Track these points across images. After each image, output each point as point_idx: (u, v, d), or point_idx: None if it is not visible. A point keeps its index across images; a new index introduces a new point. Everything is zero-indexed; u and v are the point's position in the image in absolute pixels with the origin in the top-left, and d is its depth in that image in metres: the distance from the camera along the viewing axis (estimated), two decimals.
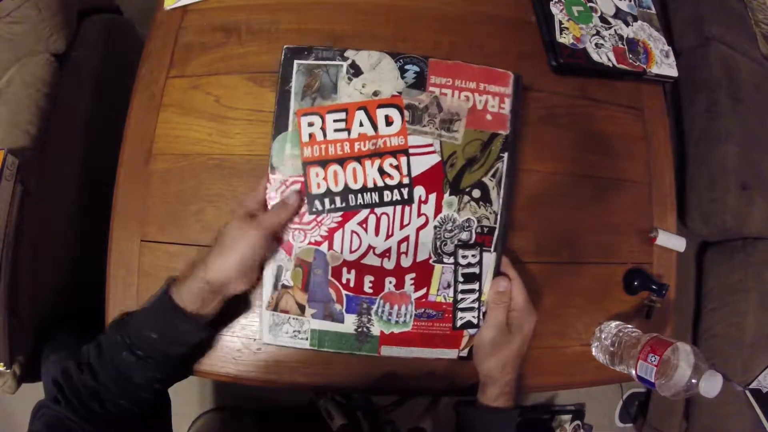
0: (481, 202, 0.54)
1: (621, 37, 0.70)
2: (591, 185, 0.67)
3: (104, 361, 0.47)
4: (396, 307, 0.55)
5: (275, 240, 0.53)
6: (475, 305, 0.55)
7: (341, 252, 0.54)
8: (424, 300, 0.55)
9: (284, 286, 0.55)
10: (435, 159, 0.53)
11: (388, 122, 0.53)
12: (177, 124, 0.64)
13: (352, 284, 0.54)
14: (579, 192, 0.66)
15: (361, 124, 0.52)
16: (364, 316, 0.55)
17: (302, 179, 0.53)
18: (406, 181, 0.53)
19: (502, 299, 0.55)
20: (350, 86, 0.52)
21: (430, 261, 0.54)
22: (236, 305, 0.56)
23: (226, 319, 0.57)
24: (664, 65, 0.71)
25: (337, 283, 0.54)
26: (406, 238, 0.54)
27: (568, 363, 0.64)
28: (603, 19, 0.71)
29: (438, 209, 0.53)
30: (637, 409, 1.32)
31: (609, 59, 0.68)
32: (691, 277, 1.00)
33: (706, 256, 0.99)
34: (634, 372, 0.56)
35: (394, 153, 0.52)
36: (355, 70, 0.52)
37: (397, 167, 0.53)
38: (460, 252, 0.54)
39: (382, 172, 0.53)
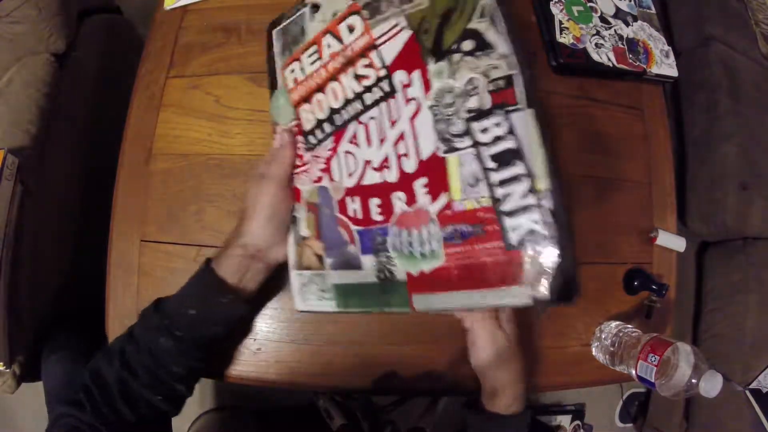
0: (478, 53, 0.38)
1: (621, 37, 0.70)
2: (591, 185, 0.67)
3: (141, 350, 0.46)
4: (415, 232, 0.40)
5: (292, 189, 0.51)
6: (531, 200, 0.34)
7: (341, 180, 0.46)
8: (448, 212, 0.38)
9: (303, 239, 0.49)
10: (405, 35, 0.42)
11: (351, 30, 0.46)
12: (177, 124, 0.64)
13: (359, 215, 0.44)
14: (579, 192, 0.66)
15: (329, 47, 0.48)
16: (382, 254, 0.43)
17: (297, 122, 0.51)
18: (382, 73, 0.43)
19: (488, 313, 0.49)
20: (315, 22, 0.49)
21: (438, 153, 0.39)
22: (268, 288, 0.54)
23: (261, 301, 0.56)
24: (664, 65, 0.71)
25: (345, 219, 0.46)
26: (402, 136, 0.42)
27: (568, 363, 0.64)
28: (603, 19, 0.71)
29: (427, 86, 0.40)
30: (637, 409, 1.32)
31: (609, 59, 0.68)
32: (691, 277, 1.00)
33: (706, 256, 0.99)
34: (634, 372, 0.56)
35: (363, 54, 0.45)
36: (315, 7, 0.51)
37: (370, 65, 0.44)
38: (476, 125, 0.37)
39: (357, 77, 0.45)
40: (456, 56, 0.39)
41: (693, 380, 0.51)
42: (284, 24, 0.53)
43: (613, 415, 1.37)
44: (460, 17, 0.40)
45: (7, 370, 0.69)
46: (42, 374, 0.71)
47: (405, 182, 0.42)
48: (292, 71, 0.51)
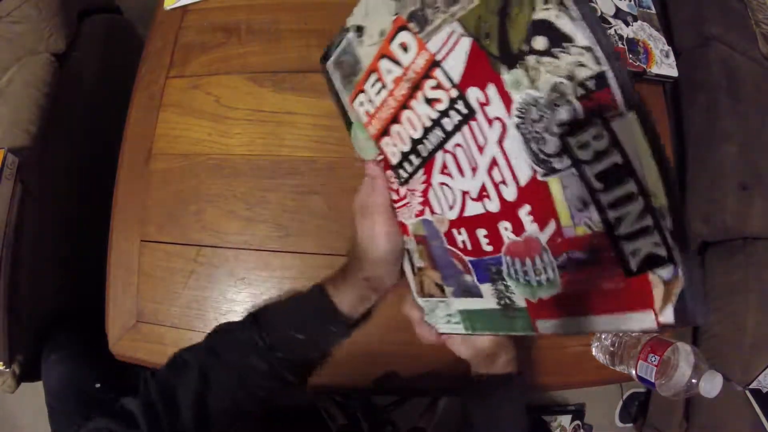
0: (555, 49, 0.32)
1: (621, 37, 0.70)
2: None
3: (223, 365, 0.44)
4: (529, 261, 0.38)
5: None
6: (648, 221, 0.30)
7: (442, 212, 0.44)
8: (559, 239, 0.35)
9: (419, 269, 0.49)
10: (466, 43, 0.37)
11: (405, 49, 0.42)
12: (177, 124, 0.64)
13: (469, 246, 0.43)
14: None
15: (389, 72, 0.44)
16: (499, 282, 0.42)
17: (382, 156, 0.48)
18: (454, 94, 0.39)
19: None
20: (364, 47, 0.46)
21: (537, 177, 0.35)
22: None
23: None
24: (664, 65, 0.71)
25: (456, 250, 0.44)
26: (494, 162, 0.38)
27: (568, 363, 0.64)
28: (603, 19, 0.71)
29: (507, 101, 0.35)
30: (637, 409, 1.32)
31: None
32: None
33: (706, 256, 0.99)
34: (634, 372, 0.56)
35: (427, 74, 0.41)
36: (360, 30, 0.47)
37: (438, 86, 0.40)
38: (572, 141, 0.32)
39: (429, 102, 0.42)
40: (530, 59, 0.33)
41: (693, 380, 0.51)
42: (335, 55, 0.50)
43: (613, 415, 1.37)
44: (521, 8, 0.33)
45: (7, 370, 0.68)
46: (42, 374, 0.71)
47: (508, 211, 0.39)
48: (361, 104, 0.48)
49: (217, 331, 0.46)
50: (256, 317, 0.46)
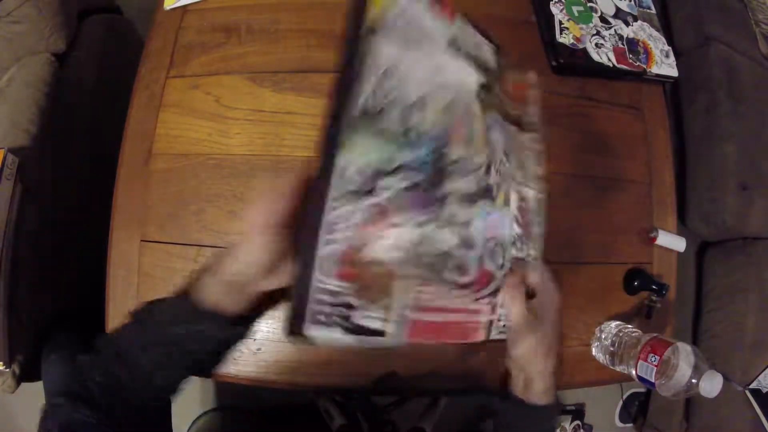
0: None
1: (621, 37, 0.70)
2: (591, 185, 0.67)
3: (121, 361, 0.44)
4: None
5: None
6: None
7: None
8: None
9: None
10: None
11: None
12: (177, 124, 0.64)
13: None
14: (579, 192, 0.66)
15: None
16: None
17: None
18: None
19: (517, 292, 0.49)
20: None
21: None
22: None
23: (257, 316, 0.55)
24: (664, 65, 0.71)
25: None
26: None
27: (568, 363, 0.64)
28: (603, 19, 0.71)
29: None
30: (637, 409, 1.32)
31: (609, 59, 0.68)
32: (691, 277, 1.00)
33: (706, 256, 0.99)
34: (634, 372, 0.56)
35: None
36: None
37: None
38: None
39: None
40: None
41: (693, 380, 0.51)
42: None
43: (613, 415, 1.37)
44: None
45: (7, 370, 0.68)
46: (42, 374, 0.71)
47: None
48: None
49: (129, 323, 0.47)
50: (140, 312, 0.47)
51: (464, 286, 0.45)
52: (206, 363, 0.49)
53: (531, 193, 0.52)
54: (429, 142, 0.41)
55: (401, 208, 0.39)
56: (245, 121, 0.63)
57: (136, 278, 0.60)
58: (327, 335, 0.37)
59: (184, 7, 0.68)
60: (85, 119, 0.88)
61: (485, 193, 0.46)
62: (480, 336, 0.48)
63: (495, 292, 0.48)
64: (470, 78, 0.47)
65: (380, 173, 0.38)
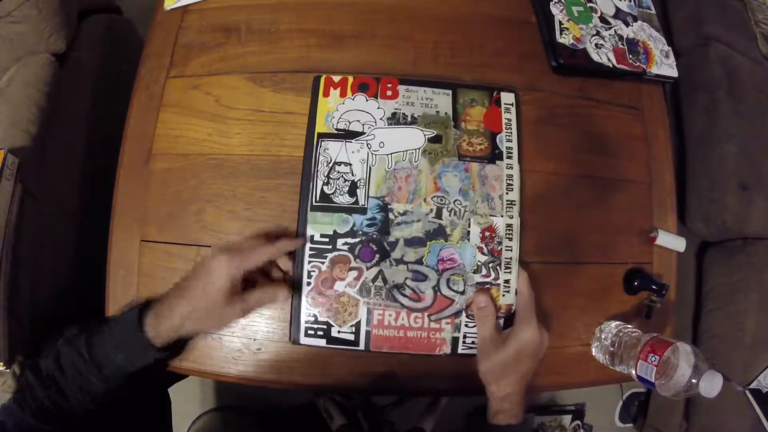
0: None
1: (621, 38, 0.70)
2: (591, 185, 0.67)
3: (66, 375, 0.47)
4: None
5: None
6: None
7: None
8: None
9: None
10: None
11: None
12: (177, 124, 0.64)
13: None
14: (579, 192, 0.66)
15: None
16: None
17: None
18: None
19: (483, 313, 0.56)
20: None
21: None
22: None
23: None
24: (664, 65, 0.71)
25: None
26: None
27: (568, 363, 0.64)
28: (603, 19, 0.71)
29: None
30: (637, 409, 1.32)
31: (609, 59, 0.68)
32: (691, 277, 1.00)
33: (706, 256, 0.99)
34: (634, 372, 0.56)
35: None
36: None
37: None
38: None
39: None
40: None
41: (693, 380, 0.51)
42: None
43: (613, 415, 1.37)
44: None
45: (7, 371, 0.68)
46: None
47: None
48: None
49: (67, 337, 0.50)
50: (85, 329, 0.49)
51: (421, 310, 0.57)
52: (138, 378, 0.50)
53: (499, 221, 0.59)
54: (374, 207, 0.57)
55: (357, 256, 0.56)
56: (245, 121, 0.63)
57: (136, 278, 0.60)
58: (315, 343, 0.57)
59: (184, 7, 0.68)
60: (85, 119, 0.88)
61: (436, 234, 0.57)
62: (445, 349, 0.58)
63: (458, 314, 0.58)
64: (415, 139, 0.59)
65: (338, 235, 0.57)
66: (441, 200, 0.58)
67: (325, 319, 0.56)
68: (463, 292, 0.57)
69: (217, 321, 0.49)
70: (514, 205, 0.60)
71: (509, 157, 0.61)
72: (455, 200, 0.58)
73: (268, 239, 0.55)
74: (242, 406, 1.23)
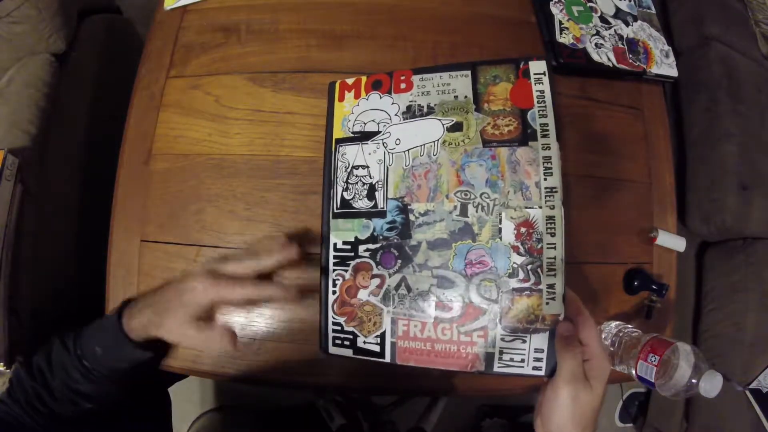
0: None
1: (621, 37, 0.70)
2: (591, 185, 0.67)
3: (53, 369, 0.46)
4: None
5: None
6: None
7: None
8: None
9: None
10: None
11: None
12: (177, 124, 0.64)
13: None
14: (579, 192, 0.66)
15: None
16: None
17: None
18: None
19: (570, 345, 0.44)
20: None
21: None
22: None
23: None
24: (664, 65, 0.71)
25: None
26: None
27: None
28: (603, 19, 0.71)
29: None
30: (637, 409, 1.32)
31: (609, 59, 0.68)
32: (691, 277, 1.00)
33: (706, 256, 0.99)
34: (634, 372, 0.56)
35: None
36: None
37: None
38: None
39: None
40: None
41: (693, 380, 0.51)
42: None
43: (613, 415, 1.37)
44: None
45: (8, 371, 0.68)
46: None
47: None
48: None
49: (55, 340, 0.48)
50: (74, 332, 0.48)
51: (449, 321, 0.50)
52: (130, 379, 0.49)
53: (537, 213, 0.49)
54: (393, 209, 0.53)
55: (378, 262, 0.52)
56: (245, 121, 0.63)
57: (136, 278, 0.60)
58: (343, 353, 0.53)
59: (184, 7, 0.68)
60: (84, 119, 0.89)
61: (462, 234, 0.50)
62: (478, 366, 0.49)
63: (492, 325, 0.49)
64: (432, 131, 0.54)
65: (360, 241, 0.53)
66: (465, 195, 0.51)
67: (351, 329, 0.53)
68: (496, 300, 0.49)
69: (179, 338, 0.47)
70: (555, 192, 0.48)
71: (545, 136, 0.51)
72: (482, 193, 0.50)
73: (284, 245, 0.49)
74: (242, 406, 1.23)
